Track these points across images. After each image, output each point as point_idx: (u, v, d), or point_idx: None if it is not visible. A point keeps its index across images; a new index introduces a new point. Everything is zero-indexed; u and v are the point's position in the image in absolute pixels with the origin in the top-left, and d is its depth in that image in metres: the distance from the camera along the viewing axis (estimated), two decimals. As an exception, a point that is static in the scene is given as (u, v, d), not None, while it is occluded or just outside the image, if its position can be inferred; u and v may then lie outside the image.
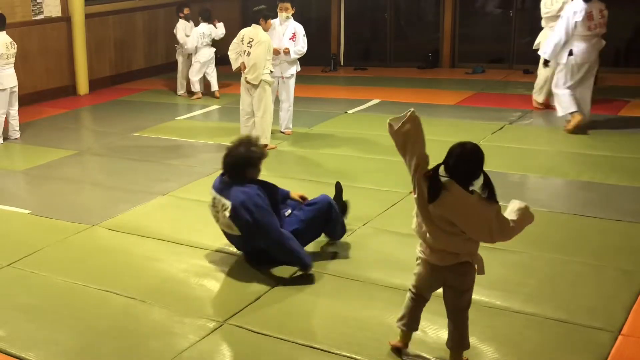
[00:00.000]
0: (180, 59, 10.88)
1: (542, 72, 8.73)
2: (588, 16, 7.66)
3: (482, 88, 10.58)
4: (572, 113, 7.86)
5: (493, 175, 3.24)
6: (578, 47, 7.73)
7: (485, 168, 3.36)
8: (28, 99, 10.03)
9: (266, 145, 7.64)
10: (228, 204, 4.60)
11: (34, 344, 3.96)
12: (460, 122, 8.43)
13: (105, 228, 5.63)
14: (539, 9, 8.92)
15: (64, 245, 5.35)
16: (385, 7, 13.04)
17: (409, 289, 3.63)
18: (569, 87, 7.85)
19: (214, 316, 4.17)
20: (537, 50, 8.51)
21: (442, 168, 3.33)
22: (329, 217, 4.92)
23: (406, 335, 3.70)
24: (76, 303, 4.43)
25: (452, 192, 3.29)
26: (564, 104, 7.91)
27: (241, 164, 4.70)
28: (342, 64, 13.24)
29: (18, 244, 5.36)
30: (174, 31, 10.87)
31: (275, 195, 4.86)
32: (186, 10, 10.87)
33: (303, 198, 5.10)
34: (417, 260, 3.55)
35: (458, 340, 3.53)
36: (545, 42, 8.11)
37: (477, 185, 3.39)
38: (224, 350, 3.84)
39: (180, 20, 10.84)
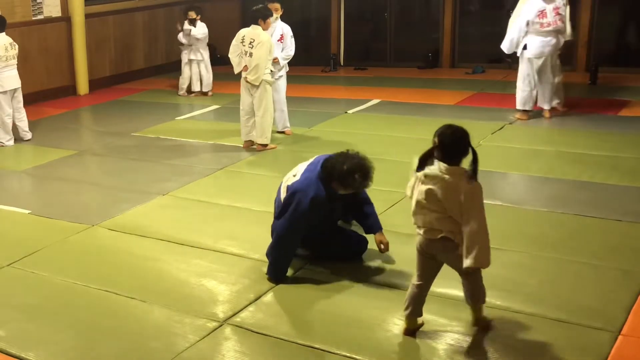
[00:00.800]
0: (184, 59, 10.84)
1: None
2: (540, 14, 8.14)
3: (482, 88, 10.58)
4: (522, 110, 8.50)
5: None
6: (532, 42, 8.27)
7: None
8: (28, 99, 9.97)
9: (266, 145, 7.63)
10: (298, 176, 4.59)
11: (34, 344, 3.96)
12: (460, 122, 8.27)
13: (105, 228, 5.64)
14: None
15: (64, 245, 5.35)
16: (385, 7, 13.04)
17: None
18: (529, 84, 8.41)
19: (214, 316, 4.18)
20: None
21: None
22: (353, 255, 4.88)
23: (412, 322, 3.88)
24: (76, 303, 4.43)
25: (438, 166, 3.60)
26: (519, 99, 8.56)
27: (335, 175, 4.44)
28: (342, 64, 13.24)
29: (18, 244, 5.36)
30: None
31: (333, 216, 4.78)
32: (191, 15, 10.76)
33: (384, 246, 4.81)
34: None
35: (472, 294, 3.82)
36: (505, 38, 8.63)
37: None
38: (224, 350, 3.84)
39: (186, 21, 10.76)
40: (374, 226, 4.89)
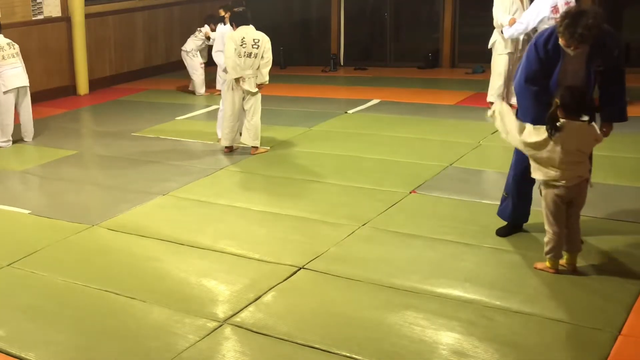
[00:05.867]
0: (198, 61, 10.84)
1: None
2: (554, 9, 8.14)
3: (482, 88, 10.53)
4: None
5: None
6: None
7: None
8: (28, 99, 10.03)
9: (257, 148, 7.54)
10: None
11: (34, 344, 3.96)
12: (460, 122, 8.42)
13: (105, 228, 5.63)
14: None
15: (64, 245, 5.35)
16: (385, 7, 13.05)
17: (549, 231, 4.43)
18: None
19: (214, 316, 4.18)
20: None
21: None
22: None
23: (555, 262, 4.48)
24: (76, 303, 4.43)
25: (571, 124, 4.26)
26: None
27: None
28: (342, 64, 13.24)
29: (18, 244, 5.36)
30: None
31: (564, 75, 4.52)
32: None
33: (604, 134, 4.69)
34: (547, 192, 4.43)
35: (573, 242, 4.46)
36: (511, 26, 8.49)
37: None
38: (224, 350, 3.84)
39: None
40: (611, 115, 4.63)
